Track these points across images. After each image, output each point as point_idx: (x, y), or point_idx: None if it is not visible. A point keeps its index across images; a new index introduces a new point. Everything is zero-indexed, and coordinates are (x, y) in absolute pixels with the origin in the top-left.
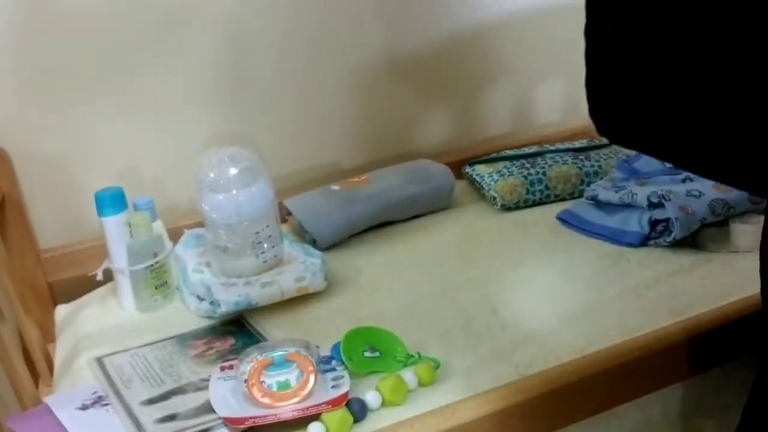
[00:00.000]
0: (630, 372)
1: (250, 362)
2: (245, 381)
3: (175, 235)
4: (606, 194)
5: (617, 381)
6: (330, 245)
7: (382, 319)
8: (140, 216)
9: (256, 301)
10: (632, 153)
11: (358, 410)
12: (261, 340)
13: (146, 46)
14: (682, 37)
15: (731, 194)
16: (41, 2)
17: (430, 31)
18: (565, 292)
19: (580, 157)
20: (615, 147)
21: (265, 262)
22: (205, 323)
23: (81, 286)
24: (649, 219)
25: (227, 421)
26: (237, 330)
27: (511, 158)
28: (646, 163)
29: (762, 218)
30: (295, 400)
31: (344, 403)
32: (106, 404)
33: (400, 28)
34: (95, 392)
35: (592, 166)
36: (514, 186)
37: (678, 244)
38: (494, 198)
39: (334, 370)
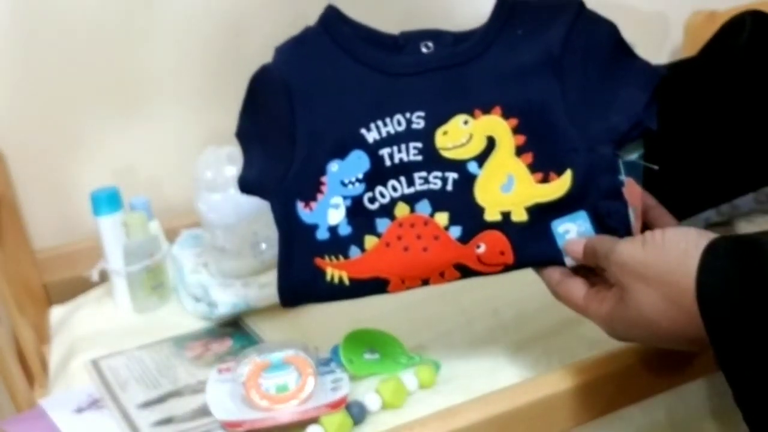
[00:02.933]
0: (635, 374)
1: (247, 364)
2: (243, 383)
3: (171, 236)
4: None
5: (621, 384)
6: None
7: (382, 320)
8: (136, 216)
9: (254, 303)
10: None
11: (357, 413)
12: (259, 341)
13: (143, 43)
14: None
15: None
16: (37, 2)
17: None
18: None
19: None
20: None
21: (263, 262)
22: (202, 325)
23: (76, 287)
24: None
25: (225, 424)
26: (235, 331)
27: None
28: None
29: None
30: (294, 402)
31: (343, 405)
32: (101, 407)
33: (400, 25)
34: (91, 394)
35: None
36: None
37: None
38: None
39: (333, 372)
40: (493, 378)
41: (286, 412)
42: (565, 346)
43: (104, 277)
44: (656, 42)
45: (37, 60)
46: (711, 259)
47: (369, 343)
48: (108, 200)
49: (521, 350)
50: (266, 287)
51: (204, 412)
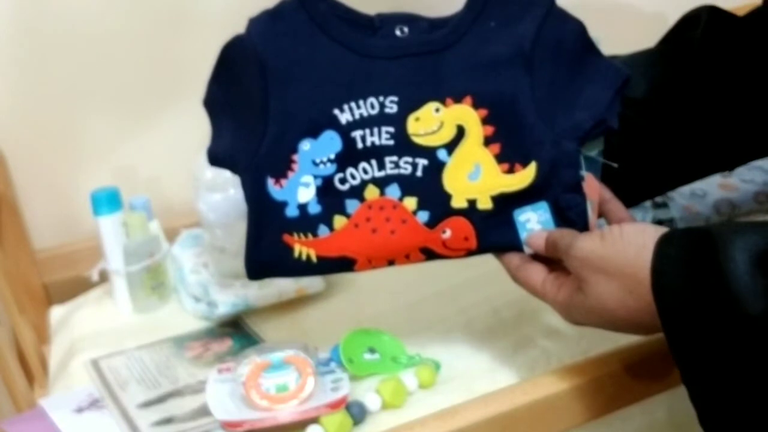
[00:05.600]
0: (634, 374)
1: (247, 364)
2: (243, 383)
3: (171, 235)
4: None
5: (621, 384)
6: None
7: (382, 320)
8: (136, 216)
9: (254, 303)
10: None
11: (357, 413)
12: (259, 342)
13: (142, 43)
14: None
15: (736, 193)
16: (38, 3)
17: None
18: None
19: None
20: None
21: None
22: (202, 325)
23: (76, 287)
24: (653, 219)
25: (225, 424)
26: (234, 332)
27: None
28: None
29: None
30: (294, 402)
31: (343, 405)
32: (101, 407)
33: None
34: (91, 394)
35: None
36: None
37: None
38: None
39: (333, 372)
40: (493, 378)
41: (286, 412)
42: (565, 346)
43: (104, 277)
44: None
45: (37, 60)
46: (665, 248)
47: (369, 343)
48: (108, 200)
49: (521, 350)
50: (266, 287)
51: (204, 412)
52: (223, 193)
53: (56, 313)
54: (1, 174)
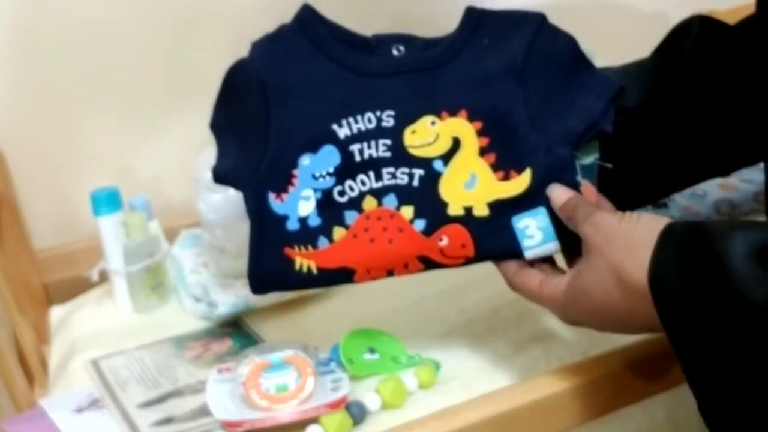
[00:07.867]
0: (634, 374)
1: (247, 364)
2: (243, 383)
3: (171, 236)
4: None
5: (620, 384)
6: None
7: (382, 320)
8: (136, 216)
9: (254, 303)
10: None
11: (357, 413)
12: (259, 341)
13: (143, 44)
14: None
15: (736, 193)
16: (38, 3)
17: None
18: None
19: None
20: None
21: None
22: (202, 325)
23: (76, 287)
24: None
25: (224, 424)
26: (234, 331)
27: None
28: None
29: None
30: (294, 402)
31: (343, 405)
32: (101, 407)
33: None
34: (91, 394)
35: None
36: None
37: None
38: None
39: (333, 372)
40: (493, 378)
41: (286, 412)
42: (565, 345)
43: (104, 277)
44: (657, 42)
45: (37, 60)
46: (666, 240)
47: (369, 343)
48: (108, 200)
49: (521, 350)
50: None
51: (204, 412)
52: (223, 193)
53: (56, 313)
54: (1, 174)
